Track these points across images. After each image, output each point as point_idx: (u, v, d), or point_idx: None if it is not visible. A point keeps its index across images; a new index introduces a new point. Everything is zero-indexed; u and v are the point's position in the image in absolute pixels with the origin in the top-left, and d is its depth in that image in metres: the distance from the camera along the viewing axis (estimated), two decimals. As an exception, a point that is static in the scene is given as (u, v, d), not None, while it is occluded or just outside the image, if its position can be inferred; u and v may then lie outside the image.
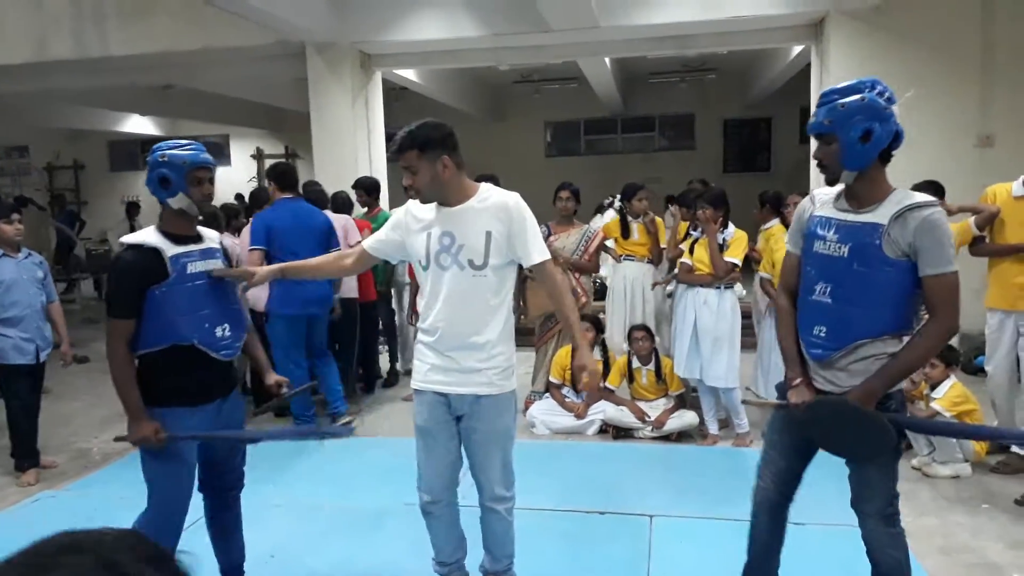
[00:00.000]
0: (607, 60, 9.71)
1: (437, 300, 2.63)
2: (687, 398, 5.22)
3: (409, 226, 2.68)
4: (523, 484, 4.16)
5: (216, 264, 2.72)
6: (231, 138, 16.34)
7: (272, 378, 2.94)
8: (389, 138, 8.23)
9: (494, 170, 5.73)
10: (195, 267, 2.65)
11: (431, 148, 2.50)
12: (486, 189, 2.64)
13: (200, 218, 2.79)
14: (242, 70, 9.03)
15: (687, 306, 4.91)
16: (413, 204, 2.71)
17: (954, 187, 4.76)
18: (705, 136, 14.67)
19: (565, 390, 5.30)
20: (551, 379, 5.33)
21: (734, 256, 4.79)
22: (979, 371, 5.51)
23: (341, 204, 6.10)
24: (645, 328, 5.20)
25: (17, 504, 4.16)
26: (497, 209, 2.58)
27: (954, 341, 4.56)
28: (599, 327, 5.34)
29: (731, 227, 4.92)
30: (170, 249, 2.60)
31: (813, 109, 2.34)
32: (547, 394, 5.40)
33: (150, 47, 7.82)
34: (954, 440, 4.10)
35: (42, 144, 16.01)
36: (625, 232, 5.65)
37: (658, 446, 4.86)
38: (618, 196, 5.70)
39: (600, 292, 8.93)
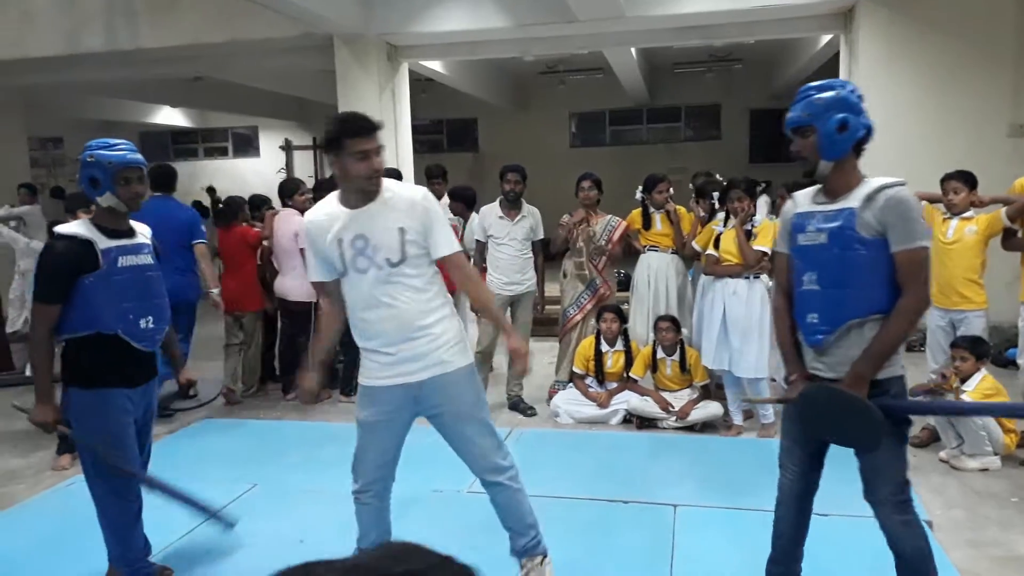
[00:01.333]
0: (633, 50, 9.66)
1: (363, 305, 2.62)
2: (712, 389, 5.21)
3: (316, 242, 2.65)
4: (546, 473, 4.25)
5: (146, 259, 2.86)
6: (260, 129, 16.51)
7: (184, 375, 3.20)
8: (416, 130, 8.27)
9: (519, 160, 5.74)
10: (125, 261, 2.78)
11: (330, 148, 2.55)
12: (388, 186, 2.64)
13: (127, 212, 2.86)
14: (270, 62, 9.11)
15: (715, 297, 4.89)
16: (310, 217, 2.69)
17: (985, 178, 4.70)
18: (731, 126, 14.55)
19: (589, 380, 5.32)
20: (575, 369, 5.35)
21: (763, 244, 4.76)
22: (1010, 364, 5.46)
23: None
24: (671, 319, 5.19)
25: (51, 488, 4.27)
26: (409, 204, 2.60)
27: (984, 334, 4.51)
28: (622, 317, 5.34)
29: (759, 215, 4.90)
30: (102, 242, 2.73)
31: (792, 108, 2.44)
32: (571, 384, 5.42)
33: (179, 39, 7.92)
34: (984, 433, 4.06)
35: (76, 135, 16.22)
36: (647, 223, 5.63)
37: (682, 436, 4.86)
38: (640, 188, 5.68)
39: (624, 283, 8.93)
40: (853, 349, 2.37)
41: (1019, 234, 4.21)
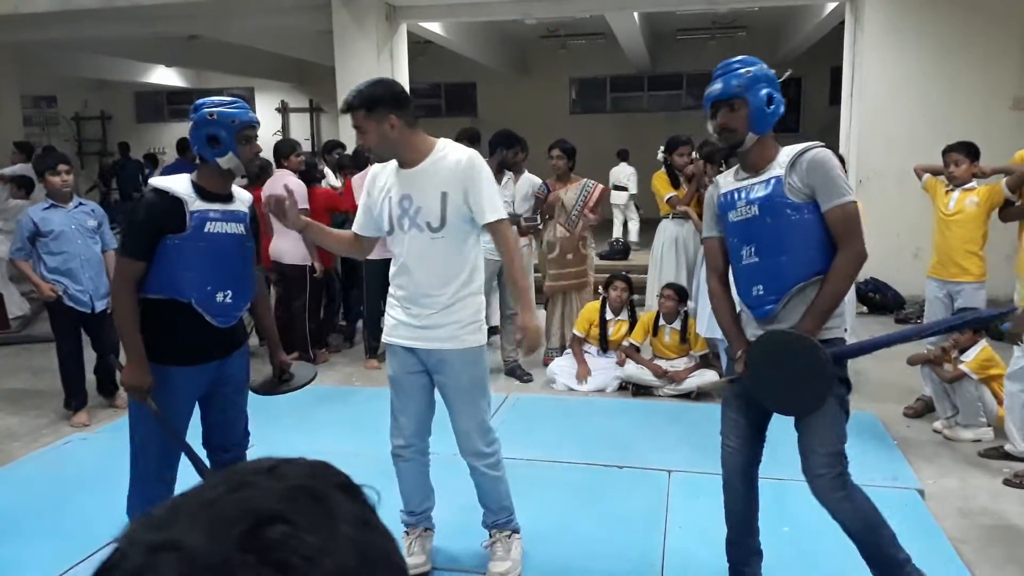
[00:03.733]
0: (635, 15, 9.53)
1: (401, 261, 2.68)
2: (711, 360, 5.22)
3: (373, 195, 2.71)
4: (541, 438, 4.28)
5: (238, 228, 2.64)
6: (256, 91, 16.31)
7: (279, 356, 2.97)
8: (414, 93, 8.23)
9: (518, 127, 5.69)
10: (214, 227, 2.57)
11: (378, 107, 2.50)
12: (442, 147, 2.62)
13: (243, 175, 2.75)
14: (267, 21, 8.99)
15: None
16: (375, 170, 2.75)
17: (988, 150, 4.66)
18: (733, 95, 14.41)
19: (587, 346, 5.32)
20: (576, 332, 5.34)
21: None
22: (1007, 336, 5.47)
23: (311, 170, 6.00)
24: (676, 287, 5.17)
25: (50, 445, 4.29)
26: (452, 168, 2.57)
27: (983, 306, 4.51)
28: (631, 287, 5.33)
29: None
30: (194, 203, 2.53)
31: (714, 83, 2.42)
32: (568, 349, 5.43)
33: (175, -4, 7.80)
34: (979, 404, 4.08)
35: (70, 94, 16.09)
36: (675, 183, 5.41)
37: (677, 403, 4.88)
38: (662, 148, 5.56)
39: (622, 252, 8.92)
40: (801, 313, 2.38)
41: (1018, 203, 4.19)
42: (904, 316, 6.75)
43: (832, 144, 7.66)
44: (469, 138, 5.65)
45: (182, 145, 5.23)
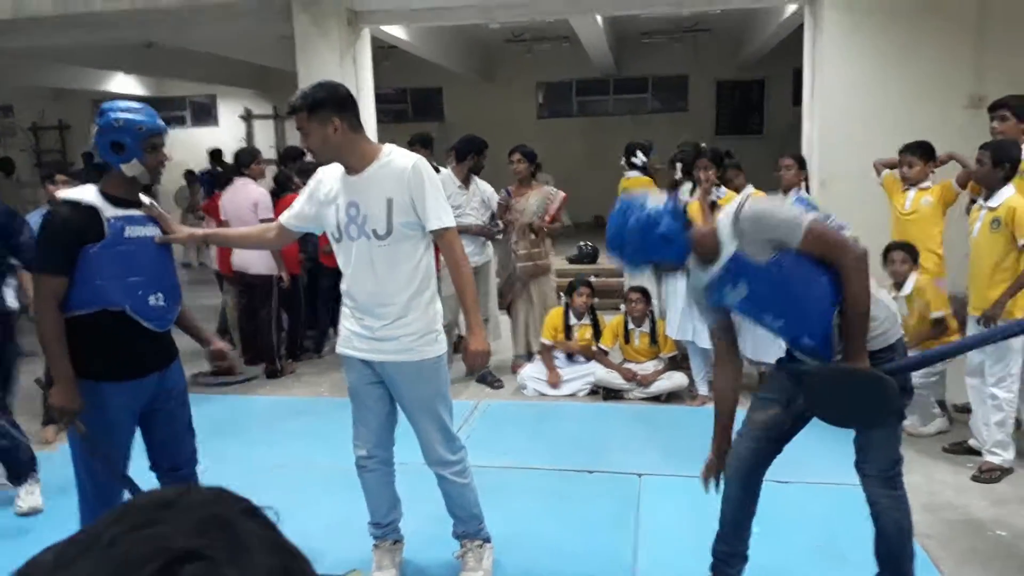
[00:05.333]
0: (599, 18, 9.55)
1: (350, 270, 2.65)
2: (679, 361, 5.24)
3: (318, 197, 2.67)
4: (512, 444, 4.26)
5: (155, 231, 2.62)
6: (219, 98, 16.10)
7: (215, 344, 2.94)
8: (380, 99, 8.04)
9: (484, 132, 5.66)
10: (133, 231, 2.54)
11: (321, 109, 2.48)
12: (387, 152, 2.59)
13: (149, 184, 2.65)
14: (226, 27, 8.84)
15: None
16: (322, 174, 2.69)
17: (945, 148, 4.74)
18: (698, 98, 14.54)
19: (557, 353, 5.31)
20: (543, 340, 5.32)
21: (726, 216, 4.78)
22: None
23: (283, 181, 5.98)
24: (642, 290, 5.20)
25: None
26: (397, 174, 2.54)
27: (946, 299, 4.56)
28: (594, 291, 5.33)
29: (723, 187, 4.89)
30: (108, 210, 2.50)
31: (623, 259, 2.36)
32: (537, 356, 5.42)
33: (131, 3, 7.64)
34: (930, 400, 4.18)
35: (27, 104, 15.72)
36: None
37: (647, 407, 4.89)
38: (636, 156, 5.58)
39: (591, 255, 8.93)
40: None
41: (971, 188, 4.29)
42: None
43: (795, 144, 7.77)
44: (422, 143, 5.61)
45: (90, 156, 5.08)
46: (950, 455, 3.99)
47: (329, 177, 2.66)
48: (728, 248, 2.30)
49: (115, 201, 2.53)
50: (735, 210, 2.29)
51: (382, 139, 8.41)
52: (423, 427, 2.72)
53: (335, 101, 2.51)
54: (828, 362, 2.36)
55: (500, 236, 5.50)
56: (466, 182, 5.29)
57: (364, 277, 2.61)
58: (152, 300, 2.56)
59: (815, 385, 2.37)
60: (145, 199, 2.62)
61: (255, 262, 5.30)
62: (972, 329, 3.86)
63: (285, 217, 2.80)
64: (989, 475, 3.69)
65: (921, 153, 4.38)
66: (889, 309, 2.39)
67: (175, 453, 2.76)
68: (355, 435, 2.82)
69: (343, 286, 2.71)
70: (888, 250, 4.33)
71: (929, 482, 3.71)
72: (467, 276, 2.65)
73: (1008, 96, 4.26)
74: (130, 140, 2.49)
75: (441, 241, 2.61)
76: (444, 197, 2.62)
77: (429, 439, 2.73)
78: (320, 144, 2.53)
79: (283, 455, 4.10)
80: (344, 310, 2.73)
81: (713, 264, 2.36)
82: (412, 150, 2.72)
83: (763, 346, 4.62)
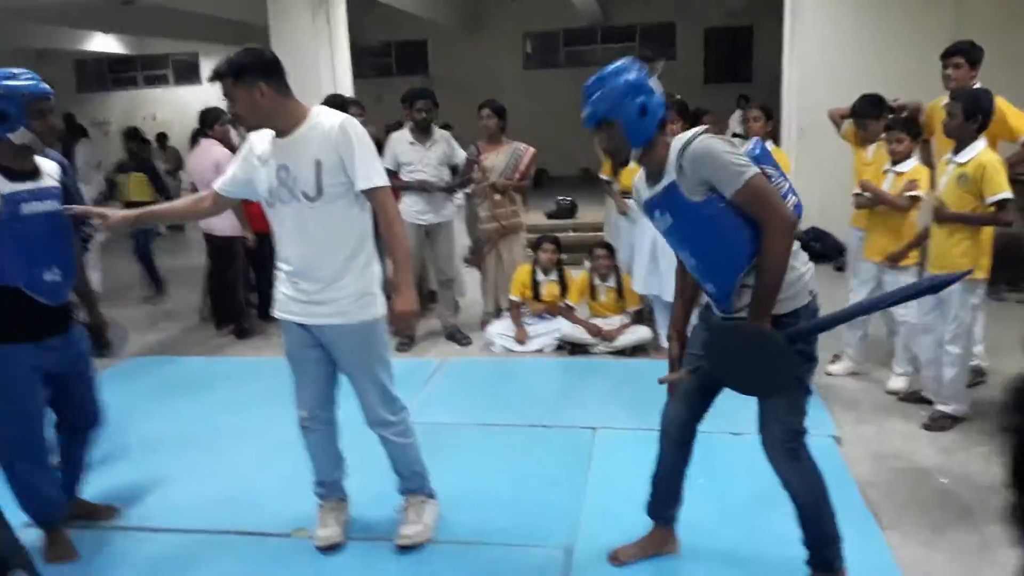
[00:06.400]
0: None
1: (281, 233, 2.65)
2: (645, 315, 5.26)
3: (251, 162, 2.65)
4: (471, 401, 4.30)
5: (53, 206, 2.63)
6: (200, 56, 15.90)
7: (97, 318, 2.98)
8: (364, 53, 7.89)
9: (470, 85, 5.58)
10: (29, 208, 2.55)
11: (247, 75, 2.45)
12: (316, 114, 2.57)
13: (41, 150, 2.65)
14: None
15: (646, 224, 4.87)
16: (254, 137, 2.67)
17: (925, 97, 4.64)
18: (687, 46, 14.30)
19: (525, 310, 5.32)
20: (511, 297, 5.33)
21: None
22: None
23: None
24: (607, 245, 5.19)
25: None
26: (324, 134, 2.51)
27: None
28: (559, 247, 5.31)
29: (732, 131, 4.83)
30: (4, 186, 2.50)
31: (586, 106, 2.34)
32: (506, 312, 5.43)
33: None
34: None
35: (8, 65, 15.45)
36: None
37: (612, 361, 4.92)
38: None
39: (568, 210, 8.88)
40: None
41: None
42: (843, 264, 6.82)
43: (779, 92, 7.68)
44: (335, 106, 5.53)
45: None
46: (904, 404, 4.02)
47: (260, 141, 2.64)
48: (668, 176, 2.29)
49: (9, 174, 2.53)
50: (683, 143, 2.25)
51: (365, 94, 8.35)
52: (362, 389, 2.75)
53: (261, 66, 2.48)
54: (729, 316, 2.36)
55: (465, 192, 5.46)
56: (422, 137, 5.23)
57: (297, 241, 2.60)
58: (47, 276, 2.61)
59: (714, 341, 2.38)
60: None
61: (218, 224, 5.28)
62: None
63: (219, 184, 2.79)
64: (939, 424, 3.72)
65: (873, 105, 4.28)
66: (800, 273, 2.33)
67: (81, 413, 2.86)
68: (296, 397, 2.85)
69: (279, 252, 2.70)
70: (888, 128, 4.11)
71: (880, 431, 3.75)
72: (399, 235, 2.63)
73: (960, 42, 4.16)
74: (14, 109, 2.48)
75: (373, 201, 2.59)
76: (375, 156, 2.58)
77: (368, 401, 2.75)
78: (247, 110, 2.50)
79: (243, 416, 4.15)
80: (279, 274, 2.73)
81: (652, 180, 2.37)
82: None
83: (650, 279, 4.79)
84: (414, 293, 2.66)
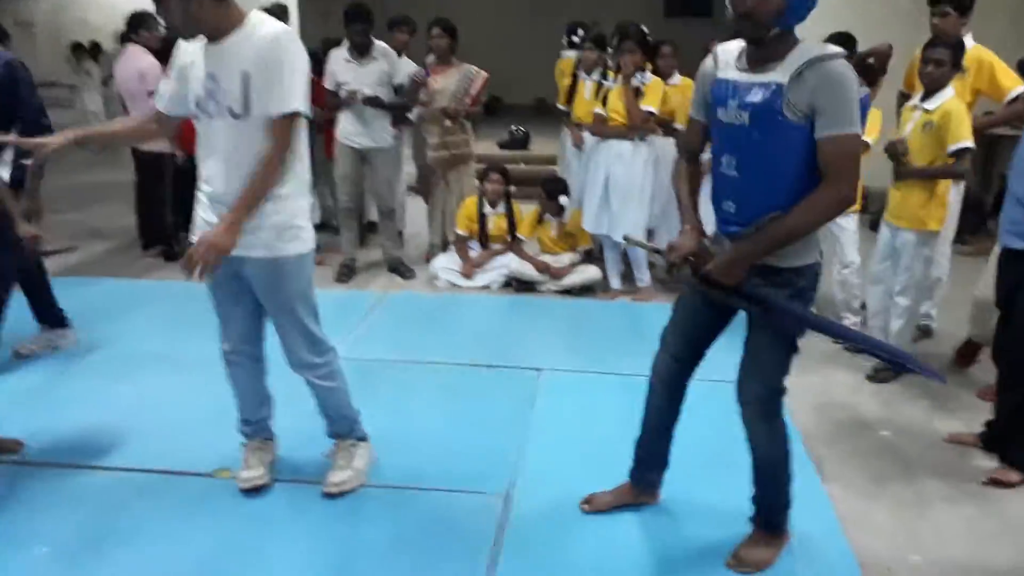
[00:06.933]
0: None
1: (206, 152, 2.40)
2: (594, 255, 5.13)
3: (185, 73, 2.37)
4: (411, 338, 4.13)
5: None
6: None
7: (23, 229, 2.90)
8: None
9: (431, 4, 5.19)
10: None
11: None
12: (253, 21, 2.29)
13: None
14: None
15: (599, 160, 4.73)
16: (183, 44, 2.40)
17: (900, 45, 4.49)
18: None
19: (472, 243, 5.13)
20: (458, 231, 5.13)
21: (650, 104, 4.55)
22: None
23: None
24: (501, 170, 5.05)
25: None
26: (256, 45, 2.25)
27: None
28: (507, 178, 5.10)
29: (648, 73, 4.63)
30: None
31: None
32: (452, 246, 5.24)
33: None
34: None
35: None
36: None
37: (559, 300, 4.80)
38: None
39: (522, 141, 8.63)
40: None
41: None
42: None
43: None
44: (275, 14, 5.10)
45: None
46: (849, 355, 4.00)
47: (190, 47, 2.36)
48: (779, 75, 1.98)
49: None
50: (816, 54, 1.94)
51: (312, 8, 7.77)
52: (283, 329, 2.54)
53: None
54: (731, 237, 2.18)
55: (408, 116, 5.17)
56: (358, 55, 4.89)
57: (222, 160, 2.34)
58: None
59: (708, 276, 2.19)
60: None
61: (145, 138, 4.91)
62: (883, 232, 3.77)
63: (161, 103, 2.50)
64: (882, 376, 3.71)
65: (843, 42, 4.10)
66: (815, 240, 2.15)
67: None
68: (220, 330, 2.64)
69: (200, 172, 2.45)
70: (927, 46, 3.62)
71: (824, 382, 3.73)
72: (270, 175, 2.30)
73: None
74: None
75: (275, 125, 2.27)
76: (303, 79, 2.30)
77: (291, 341, 2.55)
78: (181, 19, 2.23)
79: (165, 344, 3.92)
80: (200, 196, 2.47)
81: (753, 68, 2.05)
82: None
83: (600, 218, 4.70)
84: (234, 236, 2.28)
